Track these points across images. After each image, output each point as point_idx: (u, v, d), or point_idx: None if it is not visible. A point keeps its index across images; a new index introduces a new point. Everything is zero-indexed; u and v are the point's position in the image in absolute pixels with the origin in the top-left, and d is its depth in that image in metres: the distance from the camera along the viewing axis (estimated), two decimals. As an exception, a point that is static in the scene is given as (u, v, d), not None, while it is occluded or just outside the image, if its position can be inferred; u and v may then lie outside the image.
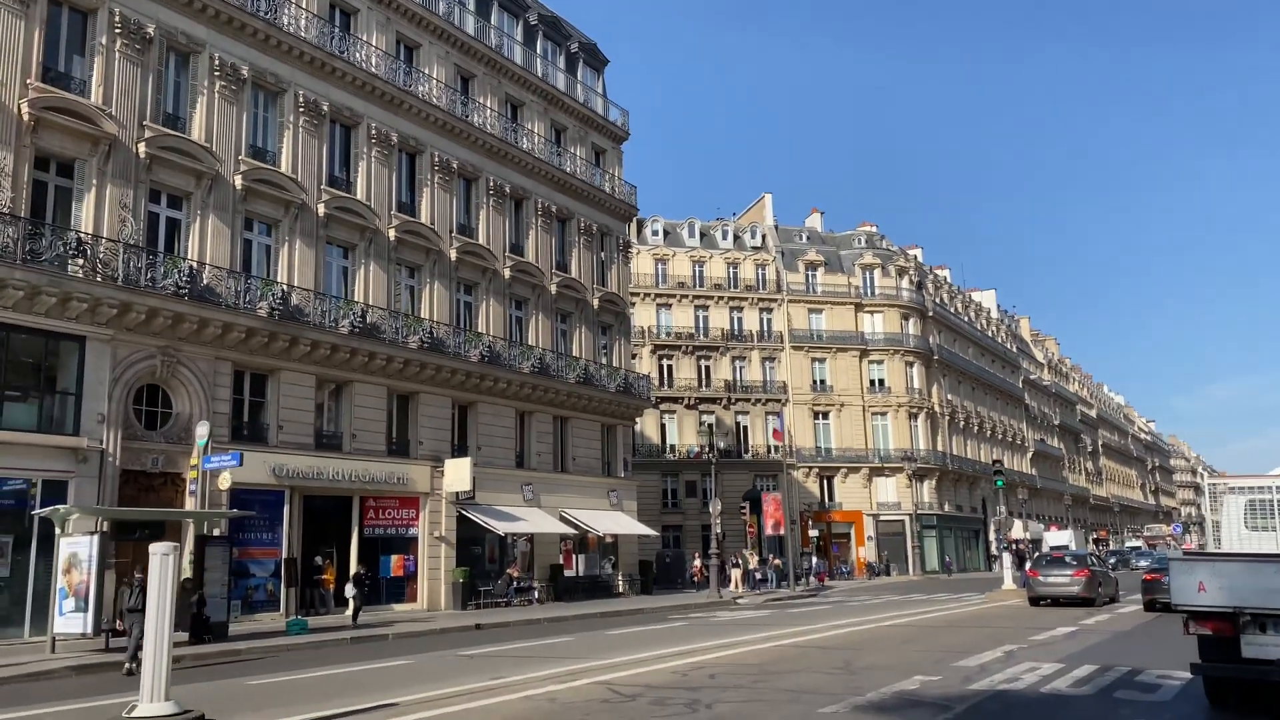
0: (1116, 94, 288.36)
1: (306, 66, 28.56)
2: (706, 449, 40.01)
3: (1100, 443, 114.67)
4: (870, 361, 67.39)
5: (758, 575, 41.12)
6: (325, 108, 29.00)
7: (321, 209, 28.40)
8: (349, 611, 24.17)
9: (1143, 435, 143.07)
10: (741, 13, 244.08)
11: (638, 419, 45.93)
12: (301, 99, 28.28)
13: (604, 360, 39.60)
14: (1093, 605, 26.04)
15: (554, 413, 36.24)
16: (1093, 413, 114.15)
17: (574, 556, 36.20)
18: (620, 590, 37.19)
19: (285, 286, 26.72)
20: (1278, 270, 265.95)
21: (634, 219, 48.50)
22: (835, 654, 15.12)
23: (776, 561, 46.48)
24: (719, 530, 38.29)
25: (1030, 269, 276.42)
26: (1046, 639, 17.00)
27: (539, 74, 38.21)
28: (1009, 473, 78.40)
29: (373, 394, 29.17)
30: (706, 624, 22.89)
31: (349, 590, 24.86)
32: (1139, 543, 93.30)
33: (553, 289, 37.00)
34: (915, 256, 77.05)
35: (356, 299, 28.90)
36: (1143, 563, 46.38)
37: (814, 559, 55.17)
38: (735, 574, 40.27)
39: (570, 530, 34.80)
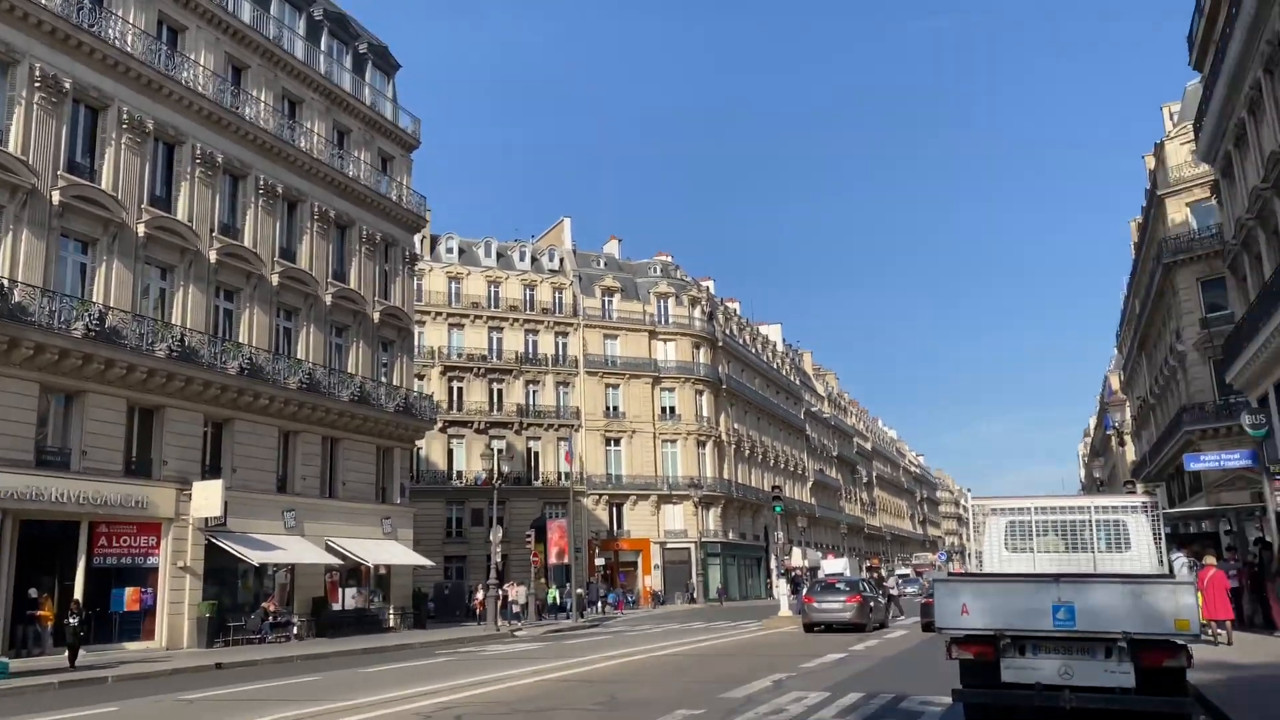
0: (903, 147, 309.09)
1: (47, 38, 25.42)
2: (493, 475, 38.60)
3: (875, 474, 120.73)
4: (662, 389, 67.82)
5: (515, 608, 39.54)
6: (67, 86, 25.89)
7: (56, 197, 25.22)
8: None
9: (913, 468, 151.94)
10: (548, 39, 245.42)
11: (419, 442, 43.84)
12: (39, 73, 25.11)
13: (384, 378, 37.45)
14: (864, 630, 26.45)
15: (324, 433, 33.78)
16: (868, 445, 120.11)
17: (340, 589, 33.71)
18: (391, 625, 34.96)
19: (6, 280, 23.45)
20: (1033, 319, 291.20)
21: (423, 230, 46.66)
22: (601, 688, 14.13)
23: (552, 590, 45.30)
24: (498, 559, 36.75)
25: (814, 306, 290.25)
26: (817, 666, 16.69)
27: (322, 71, 35.96)
28: (791, 502, 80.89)
29: (109, 406, 26.03)
30: (474, 659, 21.44)
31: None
32: (908, 570, 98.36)
33: (328, 299, 34.64)
34: (708, 288, 78.56)
35: (95, 299, 25.78)
36: (909, 589, 48.54)
37: (600, 588, 54.56)
38: (513, 604, 38.80)
39: (337, 560, 32.38)
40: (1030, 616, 8.84)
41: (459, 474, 60.08)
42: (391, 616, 35.34)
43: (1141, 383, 62.22)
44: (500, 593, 35.13)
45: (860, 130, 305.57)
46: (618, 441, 65.70)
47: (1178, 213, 46.43)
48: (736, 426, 73.67)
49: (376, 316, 37.11)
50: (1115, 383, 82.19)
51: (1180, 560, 17.00)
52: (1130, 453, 70.70)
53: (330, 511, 33.29)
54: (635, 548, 63.91)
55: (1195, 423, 41.02)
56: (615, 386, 66.61)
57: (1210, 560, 17.43)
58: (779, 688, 13.47)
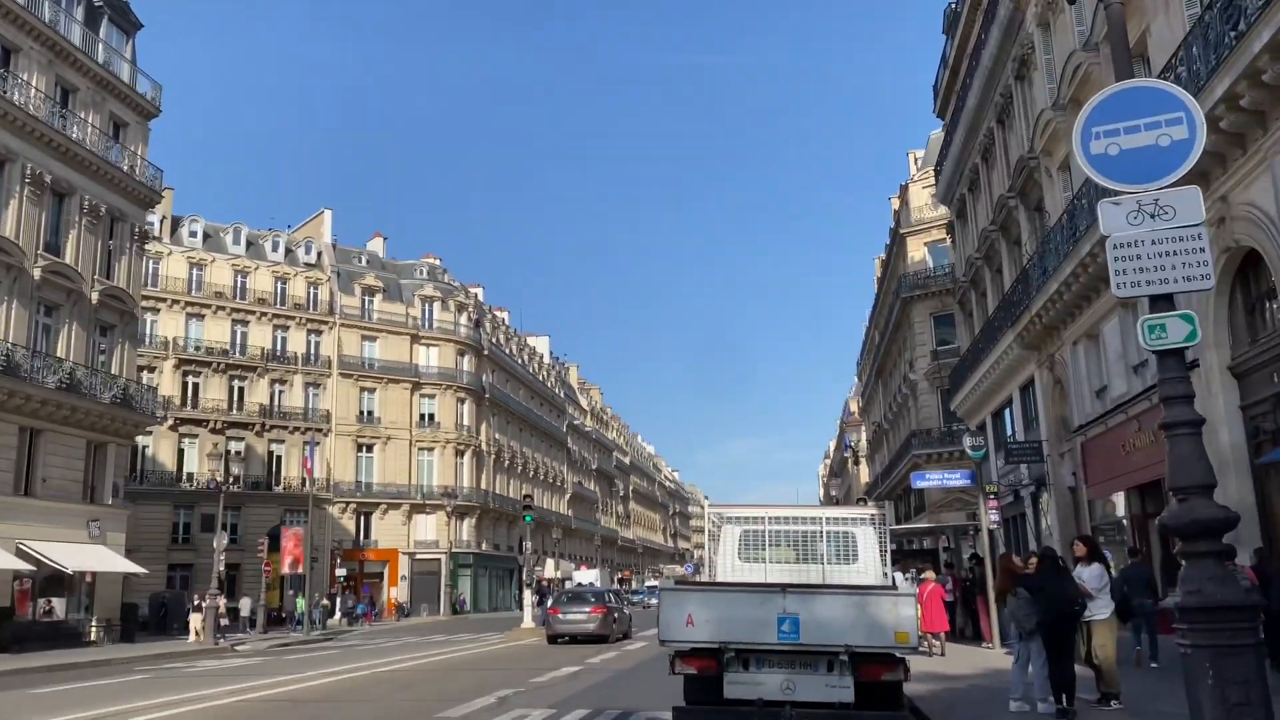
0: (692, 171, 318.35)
1: None
2: (223, 476, 35.55)
3: (631, 488, 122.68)
4: (422, 395, 65.61)
5: (223, 621, 36.01)
6: None
7: None
8: None
9: (668, 483, 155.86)
10: (326, 26, 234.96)
11: (141, 439, 39.88)
12: None
13: (101, 366, 33.69)
14: (607, 641, 26.13)
15: (22, 423, 29.86)
16: (627, 460, 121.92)
17: (32, 598, 29.83)
18: (93, 638, 31.30)
19: None
20: (790, 347, 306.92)
21: (159, 207, 42.67)
22: (309, 709, 12.78)
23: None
24: (221, 569, 33.81)
25: (583, 320, 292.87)
26: (548, 680, 16.00)
27: (46, 19, 32.04)
28: (547, 513, 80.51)
29: None
30: (175, 676, 19.25)
31: None
32: (656, 582, 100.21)
33: (36, 274, 30.73)
34: (476, 295, 77.04)
35: None
36: (653, 601, 49.23)
37: (349, 600, 51.87)
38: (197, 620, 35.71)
39: (28, 566, 28.61)
40: (755, 629, 8.51)
41: (190, 476, 55.36)
42: (94, 629, 31.65)
43: (878, 409, 66.36)
44: (217, 604, 32.14)
45: (639, 157, 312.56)
46: (370, 448, 62.89)
47: (917, 251, 49.81)
48: (498, 436, 72.44)
49: (95, 297, 33.34)
50: (855, 408, 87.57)
51: (905, 575, 17.67)
52: (864, 473, 75.33)
53: (24, 511, 29.40)
54: (383, 558, 61.27)
55: (923, 447, 43.93)
56: (371, 390, 63.78)
57: (929, 575, 18.26)
58: (503, 705, 12.65)
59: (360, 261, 68.90)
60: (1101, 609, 10.55)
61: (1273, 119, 13.34)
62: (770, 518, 11.62)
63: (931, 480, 21.95)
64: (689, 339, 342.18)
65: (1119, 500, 22.03)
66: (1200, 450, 5.37)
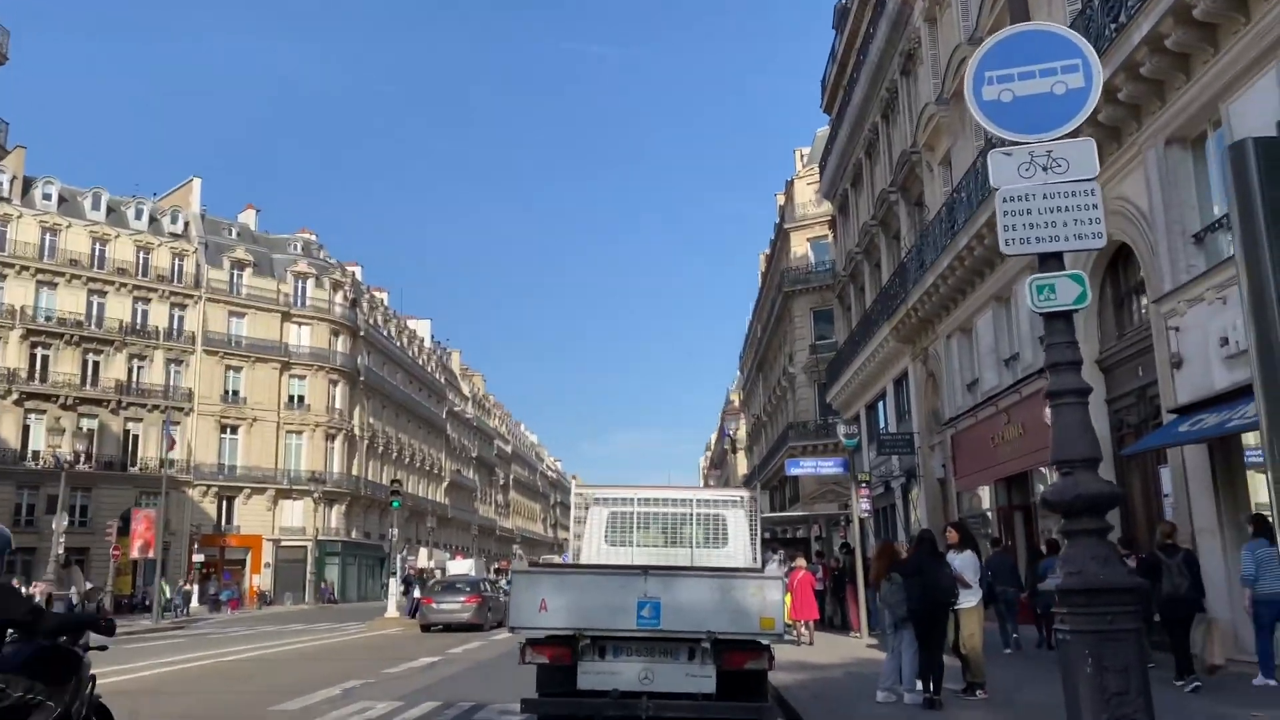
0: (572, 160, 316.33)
1: None
2: (69, 454, 33.11)
3: (512, 477, 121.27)
4: (292, 376, 63.02)
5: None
6: None
7: None
8: None
9: (550, 473, 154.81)
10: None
11: (-24, 411, 36.88)
12: None
13: (-72, 330, 30.90)
14: (482, 630, 25.57)
15: None
16: (509, 448, 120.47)
17: None
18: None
19: None
20: (676, 341, 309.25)
21: (5, 163, 39.56)
22: (128, 701, 11.61)
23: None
24: (60, 551, 31.53)
25: (468, 305, 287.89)
26: (403, 671, 15.12)
27: None
28: (423, 501, 78.66)
29: None
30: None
31: None
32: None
33: None
34: (355, 273, 74.49)
35: None
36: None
37: (212, 586, 49.47)
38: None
39: None
40: (613, 614, 7.93)
41: (35, 454, 51.79)
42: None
43: (758, 401, 67.00)
44: (49, 591, 29.94)
45: (528, 143, 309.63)
46: (235, 430, 60.09)
47: (800, 246, 50.26)
48: (372, 421, 70.28)
49: (-77, 254, 30.54)
50: (736, 400, 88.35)
51: (773, 559, 17.40)
52: (743, 465, 76.10)
53: None
54: (245, 544, 58.66)
55: (799, 438, 44.35)
56: (238, 369, 60.92)
57: (800, 562, 18.10)
58: (346, 697, 11.76)
59: (230, 234, 65.74)
60: (970, 597, 10.36)
61: (1148, 113, 13.47)
62: (639, 499, 11.08)
63: (806, 468, 21.89)
64: (576, 330, 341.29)
65: (984, 493, 22.37)
66: (1086, 421, 4.99)
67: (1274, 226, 2.82)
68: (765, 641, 8.19)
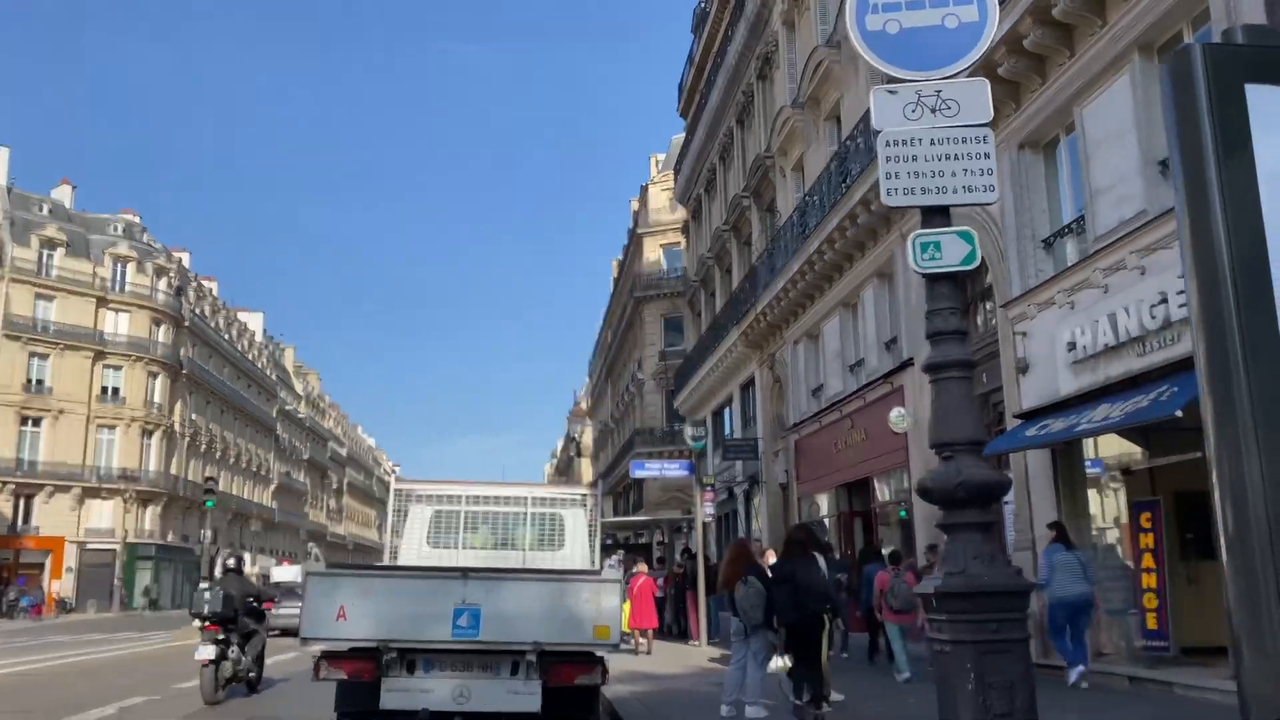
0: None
1: None
2: None
3: (346, 481, 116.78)
4: (107, 366, 58.35)
5: None
6: None
7: None
8: None
9: (387, 477, 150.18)
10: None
11: None
12: None
13: None
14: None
15: None
16: (344, 451, 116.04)
17: None
18: None
19: None
20: (526, 349, 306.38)
21: None
22: None
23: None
24: None
25: (305, 300, 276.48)
26: (194, 687, 13.50)
27: None
28: (248, 504, 74.48)
29: None
30: None
31: None
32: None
33: None
34: (181, 260, 69.87)
35: None
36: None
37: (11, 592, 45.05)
38: None
39: None
40: (425, 623, 6.91)
41: None
42: None
43: (606, 408, 66.50)
44: None
45: (381, 143, 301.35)
46: (38, 422, 55.15)
47: (653, 252, 50.02)
48: (195, 417, 65.95)
49: None
50: (585, 406, 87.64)
51: (610, 562, 16.60)
52: (589, 472, 75.44)
53: None
54: (45, 547, 53.81)
55: (645, 445, 43.94)
56: (44, 356, 55.95)
57: (642, 568, 17.38)
58: (121, 716, 10.23)
59: (42, 210, 60.41)
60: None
61: (1003, 116, 13.36)
62: (468, 497, 10.07)
63: (651, 469, 21.29)
64: (423, 333, 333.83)
65: (822, 501, 22.26)
66: (971, 398, 4.37)
67: (1227, 159, 1.94)
68: (600, 653, 7.34)
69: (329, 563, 8.64)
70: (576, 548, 9.90)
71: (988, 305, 15.08)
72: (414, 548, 9.79)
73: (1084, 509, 12.22)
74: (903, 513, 17.96)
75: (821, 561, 9.83)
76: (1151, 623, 10.93)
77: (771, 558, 12.04)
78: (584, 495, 10.21)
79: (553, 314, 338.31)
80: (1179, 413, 8.59)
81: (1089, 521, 12.26)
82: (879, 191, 15.40)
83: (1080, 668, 10.51)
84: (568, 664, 7.04)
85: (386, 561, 10.11)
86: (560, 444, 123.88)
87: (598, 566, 9.63)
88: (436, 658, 7.01)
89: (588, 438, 78.91)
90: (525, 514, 10.03)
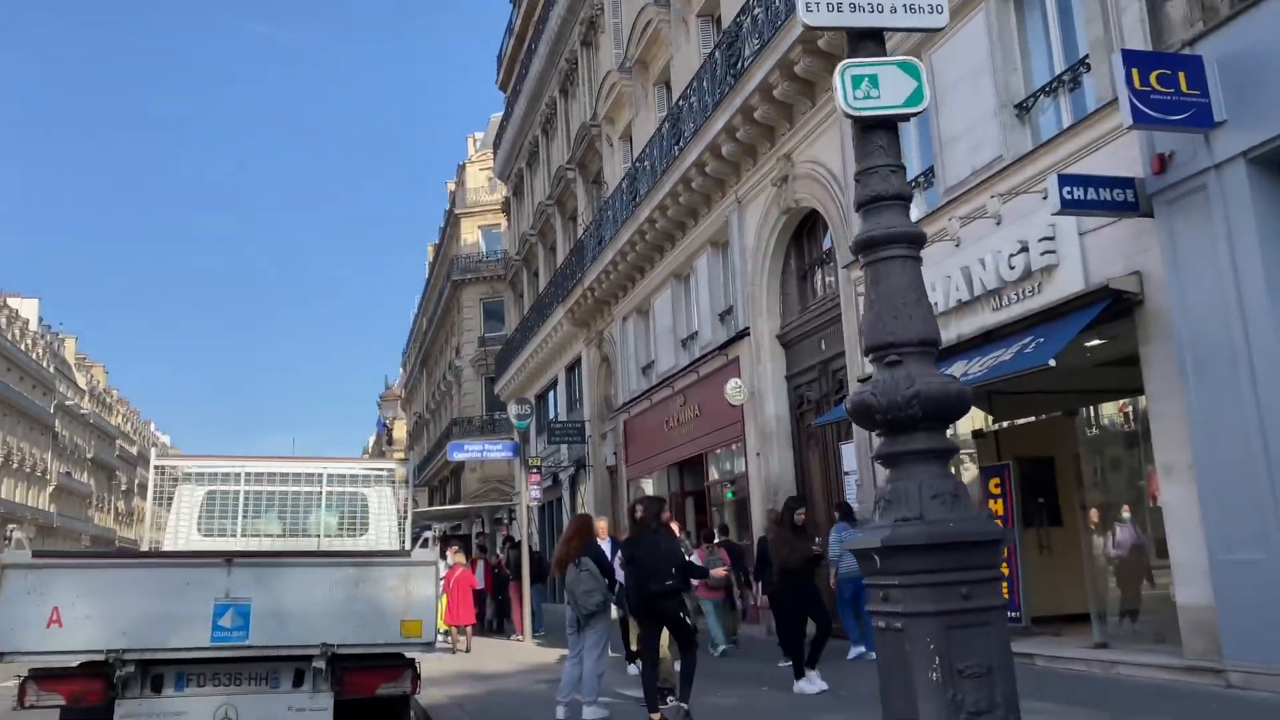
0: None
1: None
2: None
3: (138, 482, 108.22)
4: None
5: None
6: None
7: None
8: None
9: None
10: None
11: None
12: None
13: None
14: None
15: None
16: (134, 450, 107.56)
17: None
18: None
19: None
20: (341, 343, 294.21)
21: None
22: None
23: None
24: None
25: (90, 286, 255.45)
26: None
27: None
28: (20, 508, 67.27)
29: None
30: None
31: None
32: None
33: None
34: (-65, 237, 62.28)
35: None
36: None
37: None
38: None
39: None
40: (176, 626, 5.32)
41: None
42: None
43: (421, 399, 63.85)
44: None
45: (185, 128, 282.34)
46: None
47: (471, 234, 48.05)
48: (-48, 412, 58.88)
49: None
50: (397, 391, 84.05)
51: (426, 538, 14.73)
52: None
53: None
54: None
55: (464, 435, 42.03)
56: None
57: (458, 558, 15.83)
58: None
59: None
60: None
61: (846, 66, 12.66)
62: (249, 474, 8.36)
63: (471, 451, 19.71)
64: (231, 327, 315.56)
65: (648, 485, 21.31)
66: (920, 283, 3.27)
67: None
68: (411, 654, 5.92)
69: (36, 551, 6.60)
70: (383, 532, 8.42)
71: (825, 271, 14.44)
72: (182, 536, 8.04)
73: (931, 477, 11.64)
74: (730, 494, 17.14)
75: (679, 543, 8.72)
76: (1003, 592, 10.45)
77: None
78: (392, 470, 8.72)
79: (367, 304, 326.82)
80: (1052, 362, 7.95)
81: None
82: (715, 150, 14.26)
83: (861, 649, 10.59)
84: (368, 670, 5.59)
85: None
86: (371, 440, 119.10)
87: (408, 549, 8.16)
88: (192, 669, 5.41)
89: (401, 430, 75.75)
90: (321, 494, 8.43)
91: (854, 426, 12.62)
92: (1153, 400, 8.12)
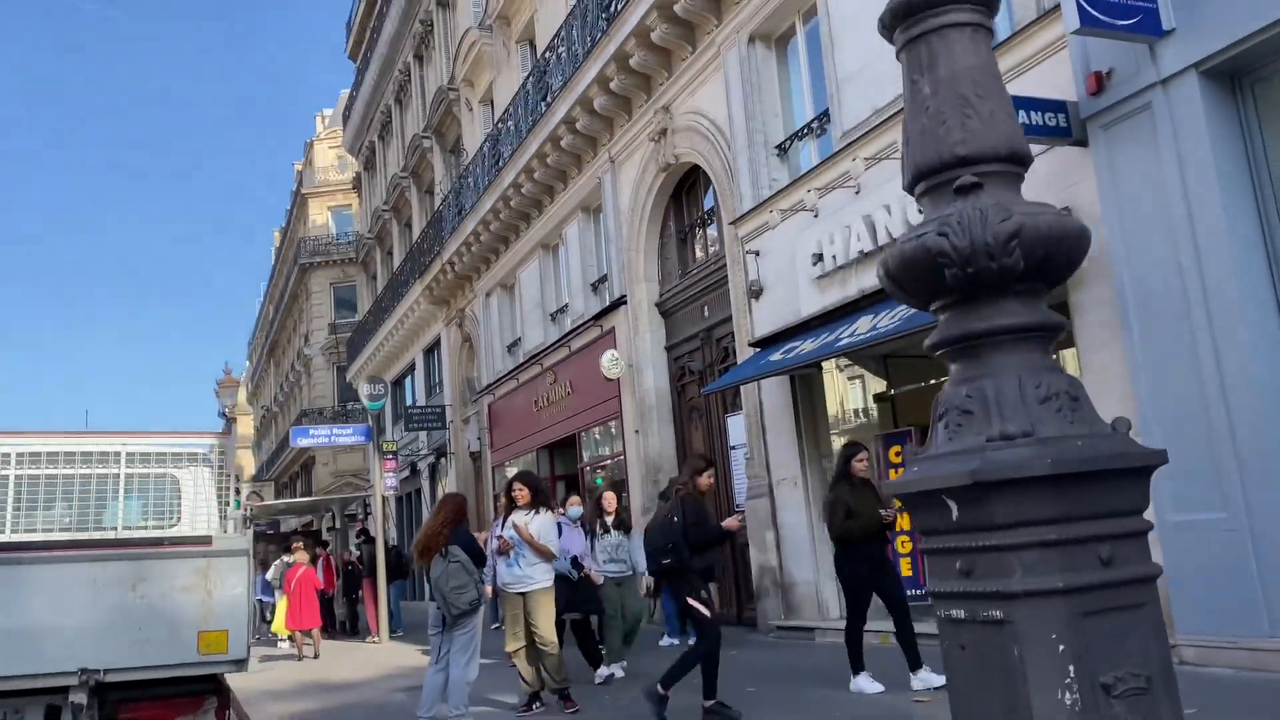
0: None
1: None
2: None
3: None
4: None
5: None
6: None
7: None
8: None
9: None
10: None
11: None
12: None
13: None
14: None
15: None
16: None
17: None
18: None
19: None
20: (183, 336, 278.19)
21: None
22: None
23: None
24: None
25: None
26: None
27: None
28: None
29: None
30: None
31: None
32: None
33: None
34: None
35: None
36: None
37: None
38: None
39: None
40: None
41: None
42: None
43: (269, 391, 60.37)
44: None
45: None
46: None
47: (320, 215, 45.40)
48: None
49: None
50: (243, 395, 79.54)
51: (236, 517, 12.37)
52: (251, 465, 68.53)
53: None
54: None
55: (313, 425, 39.56)
56: None
57: (301, 556, 14.11)
58: None
59: None
60: (542, 576, 7.47)
61: (729, 4, 11.68)
62: (20, 454, 6.69)
63: (317, 437, 17.86)
64: (63, 320, 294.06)
65: (512, 470, 19.97)
66: (997, 71, 2.13)
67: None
68: (220, 671, 4.51)
69: None
70: (201, 522, 6.87)
71: (708, 233, 13.44)
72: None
73: (828, 448, 10.78)
74: (599, 480, 15.86)
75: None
76: (905, 569, 9.64)
77: (575, 506, 9.88)
78: (211, 446, 7.15)
79: (210, 299, 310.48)
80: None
81: (833, 461, 10.82)
82: (586, 104, 12.82)
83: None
84: (154, 702, 4.17)
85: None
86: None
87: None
88: None
89: (248, 426, 71.56)
90: (119, 476, 6.81)
91: (740, 397, 11.70)
92: (1085, 353, 7.36)
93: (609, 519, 9.47)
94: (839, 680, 7.11)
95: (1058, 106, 7.04)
